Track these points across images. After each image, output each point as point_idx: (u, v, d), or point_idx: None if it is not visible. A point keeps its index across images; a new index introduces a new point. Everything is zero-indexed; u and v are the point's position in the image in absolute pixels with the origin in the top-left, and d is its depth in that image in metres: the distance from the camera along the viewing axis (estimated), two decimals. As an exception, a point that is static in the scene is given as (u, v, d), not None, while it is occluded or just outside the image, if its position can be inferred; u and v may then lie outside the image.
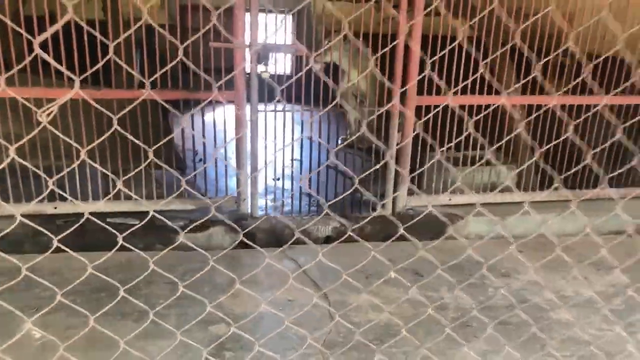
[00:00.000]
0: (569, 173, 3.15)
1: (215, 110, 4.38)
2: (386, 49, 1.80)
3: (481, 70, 1.48)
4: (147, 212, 3.17)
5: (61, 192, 1.54)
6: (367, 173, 1.79)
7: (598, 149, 3.32)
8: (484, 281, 2.88)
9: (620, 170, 3.56)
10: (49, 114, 2.50)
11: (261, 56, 3.03)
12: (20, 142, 1.27)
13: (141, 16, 3.41)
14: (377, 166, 2.86)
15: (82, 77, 1.45)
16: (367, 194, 1.74)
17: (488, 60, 1.64)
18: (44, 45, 2.87)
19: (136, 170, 1.80)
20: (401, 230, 1.48)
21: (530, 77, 1.77)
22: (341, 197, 3.06)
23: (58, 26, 1.16)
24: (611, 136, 3.60)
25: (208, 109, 4.05)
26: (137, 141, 1.40)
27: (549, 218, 3.55)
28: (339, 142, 4.90)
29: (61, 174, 1.44)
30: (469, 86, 3.21)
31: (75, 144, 1.41)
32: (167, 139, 1.90)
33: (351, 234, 1.75)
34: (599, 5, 3.52)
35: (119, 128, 1.23)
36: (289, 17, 6.55)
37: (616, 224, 3.49)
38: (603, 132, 3.64)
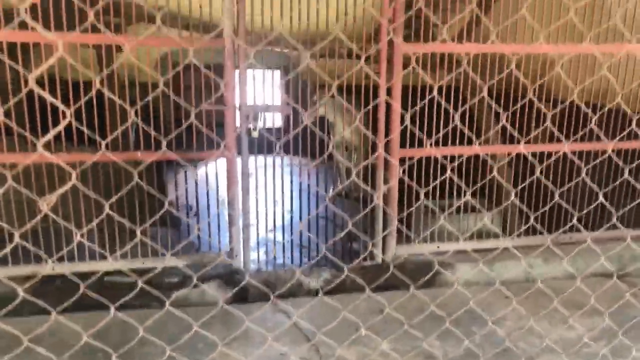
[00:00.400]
0: (548, 218, 3.27)
1: (207, 164, 4.52)
2: (369, 107, 1.93)
3: (459, 121, 1.61)
4: (141, 269, 3.25)
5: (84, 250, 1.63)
6: (357, 218, 1.88)
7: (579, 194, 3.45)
8: (472, 328, 2.94)
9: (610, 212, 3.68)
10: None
11: (251, 115, 3.18)
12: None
13: (136, 77, 3.57)
14: (365, 210, 2.97)
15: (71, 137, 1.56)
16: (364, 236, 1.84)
17: (465, 109, 1.77)
18: (42, 108, 3.03)
19: (143, 225, 1.89)
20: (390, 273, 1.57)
21: (500, 124, 1.91)
22: (331, 242, 3.16)
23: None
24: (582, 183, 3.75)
25: (200, 163, 4.19)
26: (159, 196, 1.50)
27: (535, 263, 3.64)
28: (331, 192, 5.03)
29: (88, 233, 1.53)
30: (450, 136, 3.37)
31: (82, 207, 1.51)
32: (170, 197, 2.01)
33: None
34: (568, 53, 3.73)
35: (137, 188, 1.34)
36: (276, 73, 6.80)
37: (600, 266, 3.58)
38: (574, 178, 3.78)
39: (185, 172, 3.52)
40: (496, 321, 3.06)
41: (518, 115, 3.58)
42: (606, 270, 3.61)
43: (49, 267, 3.16)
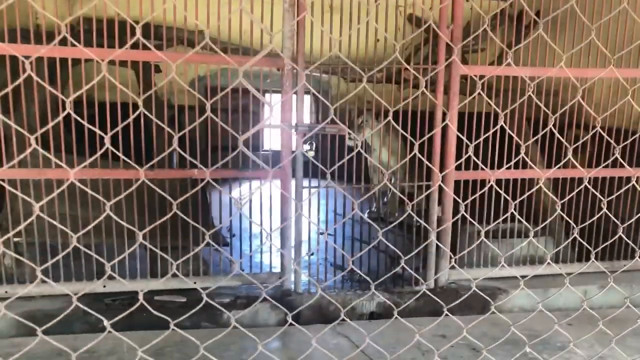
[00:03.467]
0: (605, 244, 3.21)
1: (245, 184, 4.50)
2: (431, 132, 1.91)
3: (524, 146, 1.58)
4: (191, 290, 3.20)
5: (112, 273, 1.59)
6: (415, 252, 1.83)
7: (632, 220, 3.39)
8: (543, 355, 2.85)
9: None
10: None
11: (306, 136, 3.17)
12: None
13: (171, 98, 3.59)
14: (423, 245, 2.92)
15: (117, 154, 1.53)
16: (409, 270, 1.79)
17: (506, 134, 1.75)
18: (79, 127, 3.02)
19: (195, 248, 1.85)
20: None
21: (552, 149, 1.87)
22: (386, 275, 3.10)
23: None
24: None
25: (238, 184, 4.17)
26: (191, 221, 1.46)
27: (590, 290, 3.56)
28: (367, 215, 4.98)
29: (123, 255, 1.50)
30: (502, 161, 3.35)
31: (127, 226, 1.48)
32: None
33: (414, 306, 1.77)
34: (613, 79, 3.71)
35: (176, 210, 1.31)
36: (309, 97, 6.84)
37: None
38: (630, 204, 3.72)
39: (230, 192, 3.50)
40: (565, 347, 2.96)
41: (556, 141, 3.55)
42: (664, 300, 3.52)
43: (100, 285, 3.12)
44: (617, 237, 2.37)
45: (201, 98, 1.90)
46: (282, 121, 3.17)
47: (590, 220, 2.69)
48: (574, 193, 2.86)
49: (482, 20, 4.78)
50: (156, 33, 3.56)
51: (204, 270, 3.31)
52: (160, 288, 3.19)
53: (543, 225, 3.94)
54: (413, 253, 2.56)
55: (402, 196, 2.38)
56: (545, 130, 2.30)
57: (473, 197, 2.24)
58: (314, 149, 3.13)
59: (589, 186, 2.01)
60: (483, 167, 2.47)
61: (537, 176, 3.65)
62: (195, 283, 3.18)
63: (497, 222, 3.36)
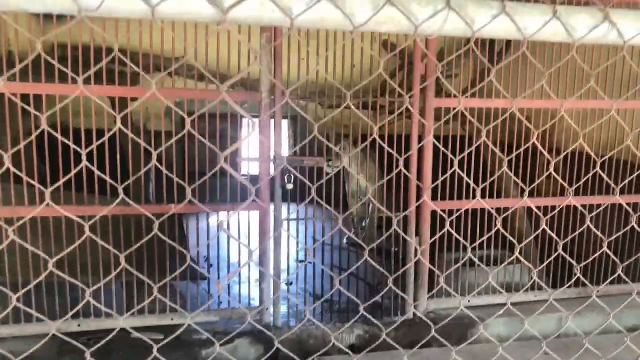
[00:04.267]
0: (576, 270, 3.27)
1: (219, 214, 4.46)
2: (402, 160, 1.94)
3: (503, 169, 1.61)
4: (169, 326, 3.15)
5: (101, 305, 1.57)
6: (395, 274, 1.84)
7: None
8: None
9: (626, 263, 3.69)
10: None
11: (284, 169, 3.18)
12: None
13: (147, 125, 3.58)
14: (400, 271, 2.92)
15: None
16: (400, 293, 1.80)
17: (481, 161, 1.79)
18: (52, 157, 2.97)
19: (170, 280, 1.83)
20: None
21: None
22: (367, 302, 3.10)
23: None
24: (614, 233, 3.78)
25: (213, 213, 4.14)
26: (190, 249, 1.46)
27: (565, 316, 3.61)
28: (345, 242, 4.98)
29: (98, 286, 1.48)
30: (477, 185, 3.40)
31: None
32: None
33: (386, 338, 1.77)
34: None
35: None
36: (286, 123, 6.88)
37: (633, 320, 3.57)
38: (607, 229, 3.81)
39: (207, 223, 3.47)
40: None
41: (529, 166, 3.64)
42: (636, 324, 3.60)
43: (74, 325, 3.05)
44: (589, 261, 2.45)
45: (194, 116, 1.90)
46: (260, 153, 3.17)
47: (564, 241, 2.75)
48: (550, 216, 2.91)
49: (455, 46, 4.90)
50: (132, 60, 3.53)
51: (181, 304, 3.26)
52: (137, 325, 3.12)
53: (518, 251, 4.01)
54: (391, 281, 2.57)
55: (382, 215, 2.39)
56: (519, 151, 2.35)
57: (445, 228, 2.27)
58: (292, 181, 3.14)
59: (579, 205, 2.05)
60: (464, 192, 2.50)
61: (513, 204, 3.72)
62: (172, 319, 3.14)
63: (472, 248, 3.42)
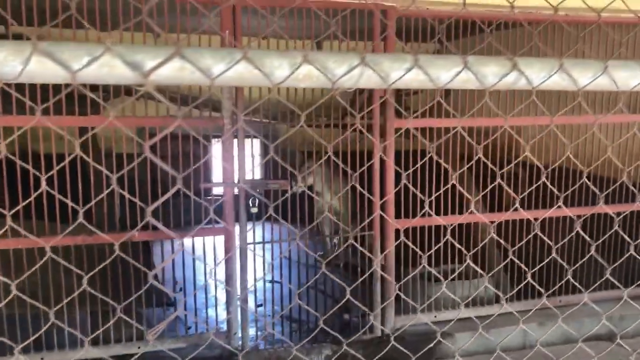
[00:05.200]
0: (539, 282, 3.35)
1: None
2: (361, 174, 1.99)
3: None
4: (135, 355, 3.12)
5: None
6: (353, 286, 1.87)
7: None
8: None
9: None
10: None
11: (248, 193, 3.20)
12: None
13: (116, 148, 3.55)
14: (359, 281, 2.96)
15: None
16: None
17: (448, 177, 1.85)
18: (12, 185, 2.92)
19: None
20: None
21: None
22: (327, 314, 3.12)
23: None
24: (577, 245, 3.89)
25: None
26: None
27: (529, 328, 3.69)
28: (316, 260, 5.01)
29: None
30: (441, 199, 3.48)
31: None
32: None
33: (362, 356, 1.81)
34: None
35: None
36: (256, 143, 6.90)
37: (591, 328, 3.66)
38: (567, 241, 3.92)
39: (172, 246, 3.47)
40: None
41: (487, 179, 3.74)
42: (597, 333, 3.69)
43: (37, 359, 2.99)
44: (552, 272, 2.52)
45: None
46: (224, 177, 3.19)
47: (529, 248, 2.82)
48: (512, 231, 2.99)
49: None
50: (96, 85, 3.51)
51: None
52: (102, 355, 3.09)
53: (483, 265, 4.10)
54: (348, 295, 2.59)
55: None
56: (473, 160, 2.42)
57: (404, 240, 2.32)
58: (256, 205, 3.16)
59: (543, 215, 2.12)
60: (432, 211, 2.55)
61: (477, 220, 3.80)
62: (139, 348, 3.11)
63: (437, 263, 3.49)
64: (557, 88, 0.97)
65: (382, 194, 3.44)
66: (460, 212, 3.78)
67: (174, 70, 0.77)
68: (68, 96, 3.13)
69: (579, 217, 3.91)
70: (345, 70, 0.84)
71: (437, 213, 3.68)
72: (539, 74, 0.93)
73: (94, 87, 3.78)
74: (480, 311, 3.68)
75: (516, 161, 3.46)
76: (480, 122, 3.66)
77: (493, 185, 1.84)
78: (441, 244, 2.99)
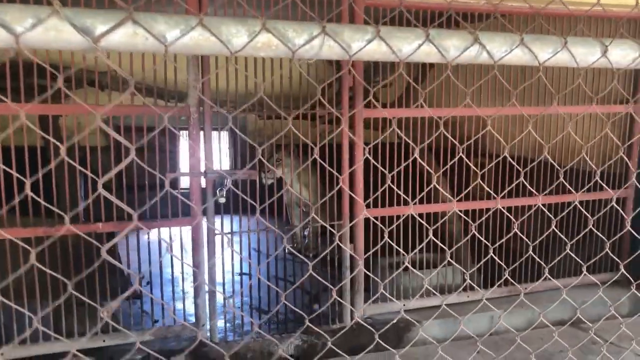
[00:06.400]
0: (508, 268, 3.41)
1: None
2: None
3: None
4: (103, 349, 3.05)
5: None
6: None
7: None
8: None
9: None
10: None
11: (216, 182, 3.16)
12: None
13: (81, 140, 3.46)
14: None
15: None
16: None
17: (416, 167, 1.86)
18: None
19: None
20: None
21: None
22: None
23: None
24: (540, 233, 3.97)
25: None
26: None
27: (496, 315, 3.76)
28: (286, 251, 4.99)
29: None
30: (409, 190, 3.50)
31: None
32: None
33: (332, 345, 1.80)
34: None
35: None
36: (224, 134, 6.84)
37: (558, 314, 3.76)
38: (533, 229, 4.00)
39: (138, 237, 3.40)
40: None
41: (456, 170, 3.78)
42: (561, 319, 3.79)
43: (-3, 353, 2.90)
44: (519, 261, 2.57)
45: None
46: (190, 167, 3.13)
47: (497, 244, 2.86)
48: (481, 220, 3.02)
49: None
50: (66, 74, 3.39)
51: (113, 326, 3.16)
52: (66, 350, 3.01)
53: (450, 253, 4.14)
54: (333, 289, 2.59)
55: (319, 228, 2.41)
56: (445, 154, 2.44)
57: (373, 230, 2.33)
58: (224, 195, 3.11)
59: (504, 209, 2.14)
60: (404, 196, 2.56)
61: (445, 209, 3.84)
62: (104, 341, 3.04)
63: (405, 252, 3.51)
64: (519, 63, 0.97)
65: (352, 185, 3.44)
66: (429, 202, 3.81)
67: (126, 37, 0.74)
68: (28, 86, 3.03)
69: (544, 206, 4.00)
70: (305, 40, 0.82)
71: (407, 203, 3.70)
72: (500, 48, 0.93)
73: (54, 78, 3.66)
74: (449, 299, 3.72)
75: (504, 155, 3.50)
76: (447, 112, 3.69)
77: (460, 175, 1.86)
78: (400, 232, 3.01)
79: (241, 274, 4.39)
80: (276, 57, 0.83)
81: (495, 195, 3.96)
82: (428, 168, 3.14)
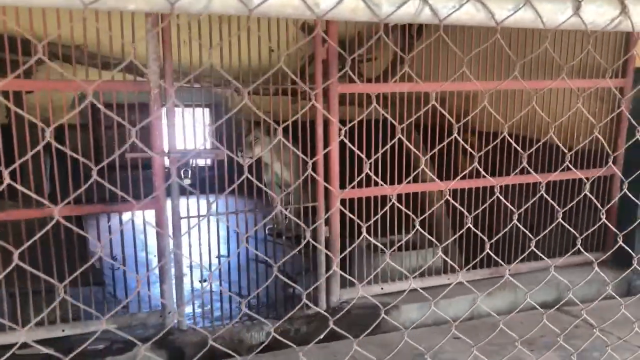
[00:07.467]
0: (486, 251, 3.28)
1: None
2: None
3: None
4: (62, 338, 2.90)
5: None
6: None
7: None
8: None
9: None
10: None
11: (181, 165, 2.98)
12: None
13: (49, 117, 3.25)
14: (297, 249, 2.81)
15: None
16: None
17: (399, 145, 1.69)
18: None
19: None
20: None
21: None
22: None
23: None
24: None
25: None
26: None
27: (477, 298, 3.64)
28: (266, 232, 4.83)
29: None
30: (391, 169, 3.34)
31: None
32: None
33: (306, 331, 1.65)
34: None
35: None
36: (206, 112, 6.60)
37: (541, 296, 3.64)
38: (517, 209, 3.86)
39: (109, 221, 3.22)
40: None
41: (446, 148, 3.61)
42: (545, 301, 3.67)
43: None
44: (502, 242, 2.42)
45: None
46: (153, 147, 2.94)
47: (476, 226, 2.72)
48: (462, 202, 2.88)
49: (374, 29, 4.80)
50: (25, 49, 3.13)
51: (75, 314, 3.01)
52: (23, 340, 2.85)
53: (433, 235, 4.01)
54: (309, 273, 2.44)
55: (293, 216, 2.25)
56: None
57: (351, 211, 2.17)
58: (189, 176, 2.94)
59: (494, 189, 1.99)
60: (378, 180, 2.40)
61: (428, 189, 3.69)
62: (63, 331, 2.89)
63: (384, 234, 3.35)
64: (471, 23, 0.79)
65: (327, 165, 3.27)
66: (414, 181, 3.65)
67: None
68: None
69: (530, 185, 3.85)
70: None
71: (391, 183, 3.53)
72: (446, 4, 0.75)
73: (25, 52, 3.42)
74: (429, 282, 3.59)
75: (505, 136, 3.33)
76: (431, 87, 3.49)
77: (444, 152, 1.69)
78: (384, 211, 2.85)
79: (219, 256, 4.24)
80: (300, 17, 0.65)
81: (485, 174, 3.81)
82: (410, 146, 2.97)
